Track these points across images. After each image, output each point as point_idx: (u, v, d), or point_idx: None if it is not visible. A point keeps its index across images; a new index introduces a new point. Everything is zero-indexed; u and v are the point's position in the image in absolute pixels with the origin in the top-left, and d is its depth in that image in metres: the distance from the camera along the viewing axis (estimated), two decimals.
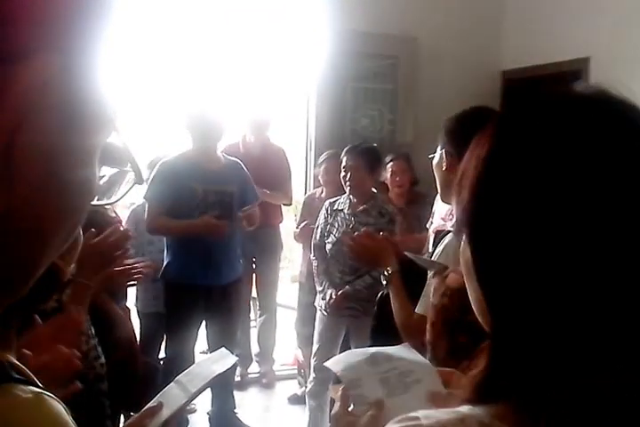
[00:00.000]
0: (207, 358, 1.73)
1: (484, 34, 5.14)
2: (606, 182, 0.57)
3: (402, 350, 1.26)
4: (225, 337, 3.68)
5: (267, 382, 4.80)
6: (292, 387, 4.71)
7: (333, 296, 3.51)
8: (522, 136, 0.62)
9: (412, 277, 1.87)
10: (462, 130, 1.72)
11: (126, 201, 4.84)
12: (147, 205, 3.56)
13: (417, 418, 0.60)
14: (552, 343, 0.58)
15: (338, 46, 4.52)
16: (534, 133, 0.61)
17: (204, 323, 3.74)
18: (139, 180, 0.52)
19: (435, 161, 1.92)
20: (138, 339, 3.46)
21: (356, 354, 1.26)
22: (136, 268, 2.28)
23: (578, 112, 0.62)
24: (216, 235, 3.42)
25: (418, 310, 1.80)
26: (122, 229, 2.03)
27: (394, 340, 1.58)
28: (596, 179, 0.57)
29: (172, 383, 1.61)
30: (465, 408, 0.60)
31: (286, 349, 5.07)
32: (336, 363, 1.24)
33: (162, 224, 3.51)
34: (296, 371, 4.82)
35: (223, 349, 1.74)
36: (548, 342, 0.58)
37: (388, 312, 1.89)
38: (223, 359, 1.65)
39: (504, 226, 0.60)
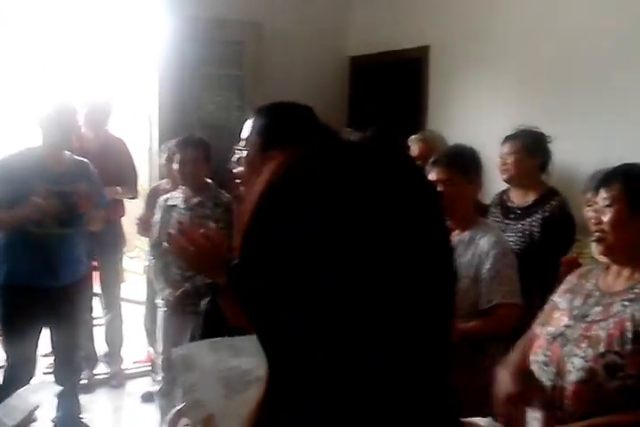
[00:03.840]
0: (25, 388, 1.61)
1: (330, 19, 5.17)
2: (368, 239, 0.56)
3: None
4: (68, 339, 3.57)
5: (116, 383, 4.60)
6: (145, 385, 4.55)
7: (170, 298, 3.46)
8: (299, 183, 0.59)
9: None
10: (271, 126, 1.66)
11: None
12: None
13: None
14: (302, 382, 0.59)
15: (181, 32, 4.39)
16: (311, 181, 0.59)
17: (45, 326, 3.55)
18: None
19: (239, 157, 1.76)
20: None
21: (202, 356, 1.24)
22: None
23: (355, 166, 0.60)
24: (45, 215, 3.28)
25: None
26: None
27: None
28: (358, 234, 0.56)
29: None
30: None
31: (139, 345, 4.90)
32: (182, 362, 1.24)
33: None
34: (150, 368, 4.65)
35: (45, 379, 1.64)
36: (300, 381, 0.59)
37: (216, 324, 1.79)
38: (42, 390, 1.55)
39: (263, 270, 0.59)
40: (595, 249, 1.96)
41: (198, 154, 3.49)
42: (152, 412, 4.02)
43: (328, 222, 0.56)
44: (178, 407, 1.17)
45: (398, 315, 0.57)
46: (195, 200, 3.51)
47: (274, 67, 4.77)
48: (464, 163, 2.59)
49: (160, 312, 3.63)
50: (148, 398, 4.28)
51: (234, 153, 4.07)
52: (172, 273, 3.52)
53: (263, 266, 0.59)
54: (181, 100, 4.51)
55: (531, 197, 3.33)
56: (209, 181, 3.59)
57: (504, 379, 1.96)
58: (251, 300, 0.62)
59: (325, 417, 0.58)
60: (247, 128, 1.75)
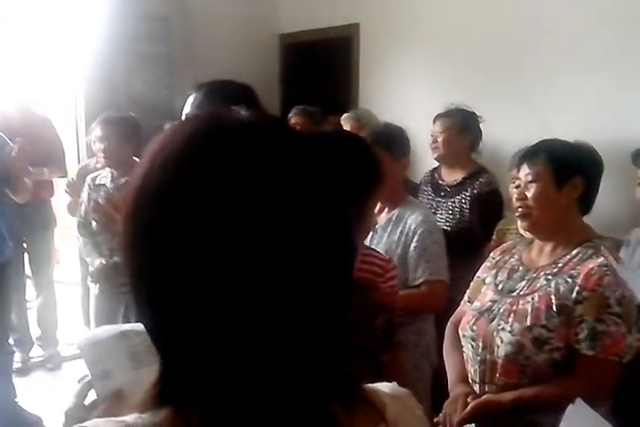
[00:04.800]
0: None
1: None
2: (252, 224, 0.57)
3: None
4: None
5: (52, 366, 4.53)
6: (82, 367, 4.46)
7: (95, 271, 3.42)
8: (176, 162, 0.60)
9: None
10: (209, 103, 1.70)
11: None
12: None
13: None
14: (197, 355, 0.60)
15: (106, 7, 4.25)
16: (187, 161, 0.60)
17: None
18: None
19: None
20: None
21: (108, 330, 1.23)
22: None
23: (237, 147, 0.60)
24: None
25: None
26: None
27: None
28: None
29: None
30: (132, 417, 0.62)
31: (75, 327, 4.81)
32: (85, 339, 1.22)
33: None
34: None
35: None
36: (196, 352, 0.60)
37: None
38: None
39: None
40: (520, 225, 2.00)
41: (118, 130, 3.40)
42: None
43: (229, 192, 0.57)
44: (85, 379, 1.16)
45: (292, 285, 0.59)
46: (122, 180, 3.44)
47: (202, 44, 4.68)
48: (390, 141, 2.57)
49: (92, 291, 3.57)
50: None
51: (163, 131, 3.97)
52: (103, 253, 3.46)
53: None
54: (108, 77, 4.39)
55: (460, 175, 3.37)
56: (137, 159, 3.52)
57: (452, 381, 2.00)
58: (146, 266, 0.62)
59: (217, 387, 0.59)
60: (187, 104, 1.77)
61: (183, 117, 1.78)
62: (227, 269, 0.57)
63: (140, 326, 1.22)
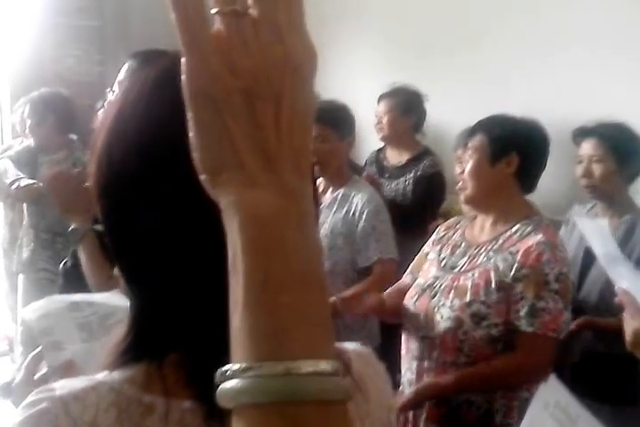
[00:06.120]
0: None
1: None
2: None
3: (110, 297, 1.23)
4: None
5: None
6: (4, 365, 4.22)
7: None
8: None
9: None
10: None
11: None
12: None
13: (53, 389, 0.61)
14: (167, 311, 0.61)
15: None
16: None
17: None
18: None
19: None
20: None
21: (57, 301, 1.22)
22: None
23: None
24: None
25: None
26: None
27: None
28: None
29: None
30: (101, 375, 0.62)
31: None
32: (33, 311, 1.18)
33: None
34: (7, 347, 4.35)
35: None
36: (166, 310, 0.61)
37: (75, 283, 1.71)
38: None
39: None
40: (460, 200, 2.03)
41: (50, 109, 3.28)
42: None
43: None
44: (35, 351, 1.13)
45: None
46: (46, 158, 3.32)
47: (139, 18, 4.50)
48: (336, 119, 2.54)
49: (20, 284, 3.46)
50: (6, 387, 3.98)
51: (96, 109, 3.84)
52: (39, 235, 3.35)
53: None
54: (35, 53, 4.21)
55: (405, 157, 3.35)
56: (74, 137, 3.37)
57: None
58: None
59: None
60: (122, 73, 1.70)
61: (116, 86, 1.68)
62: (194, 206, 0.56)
63: (91, 297, 1.20)
